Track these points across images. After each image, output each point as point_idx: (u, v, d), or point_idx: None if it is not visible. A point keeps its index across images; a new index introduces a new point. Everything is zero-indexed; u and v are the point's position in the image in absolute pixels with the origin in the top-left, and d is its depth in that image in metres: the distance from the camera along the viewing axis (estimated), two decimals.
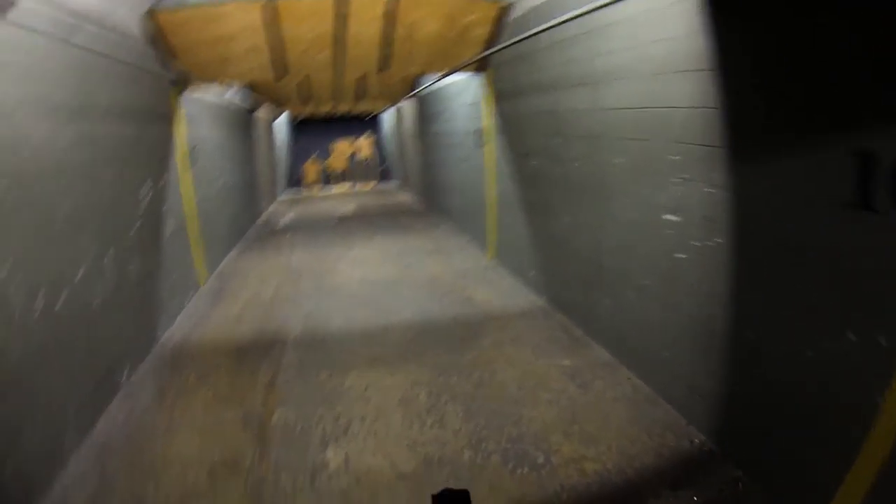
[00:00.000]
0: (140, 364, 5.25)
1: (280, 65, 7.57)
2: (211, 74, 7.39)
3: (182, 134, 7.31)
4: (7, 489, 3.11)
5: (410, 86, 13.27)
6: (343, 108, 17.41)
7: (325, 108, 17.12)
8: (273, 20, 6.27)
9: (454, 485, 3.37)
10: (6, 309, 3.28)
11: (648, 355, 4.29)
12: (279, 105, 14.75)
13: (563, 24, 4.31)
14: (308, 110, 17.64)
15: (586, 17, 4.02)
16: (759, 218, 3.01)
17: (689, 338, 3.74)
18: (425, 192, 14.31)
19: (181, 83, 7.21)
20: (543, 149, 5.93)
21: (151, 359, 5.42)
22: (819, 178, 2.57)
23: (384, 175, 22.38)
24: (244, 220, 11.87)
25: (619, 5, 3.65)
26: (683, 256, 3.70)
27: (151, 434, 4.12)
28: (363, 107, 17.98)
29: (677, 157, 3.66)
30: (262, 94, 12.96)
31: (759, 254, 3.04)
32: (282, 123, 20.36)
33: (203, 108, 8.76)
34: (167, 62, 6.56)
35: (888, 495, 2.35)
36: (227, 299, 7.30)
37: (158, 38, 6.13)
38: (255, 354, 5.46)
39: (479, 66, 7.88)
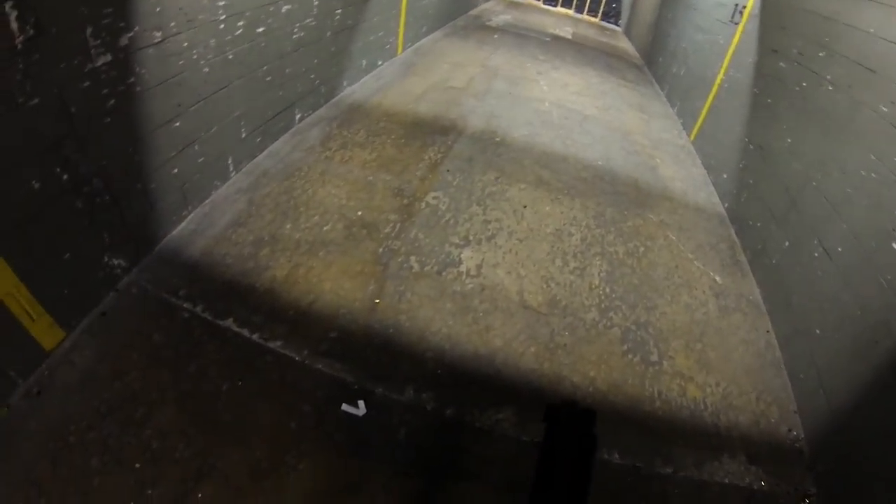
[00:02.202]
0: (317, 109, 5.25)
1: None
2: None
3: None
4: (168, 192, 3.26)
5: None
6: None
7: None
8: None
9: (569, 339, 3.22)
10: (209, 25, 3.28)
11: (798, 322, 3.67)
12: None
13: None
14: None
15: None
16: None
17: (850, 333, 3.11)
18: (648, 48, 13.11)
19: None
20: (799, 54, 4.95)
21: (328, 107, 5.40)
22: None
23: (611, 14, 20.83)
24: (457, 5, 11.39)
25: None
26: None
27: (306, 176, 4.13)
28: None
29: None
30: None
31: None
32: None
33: None
34: None
35: None
36: (417, 75, 7.09)
37: None
38: (430, 133, 5.30)
39: None
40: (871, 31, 3.86)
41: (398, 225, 3.77)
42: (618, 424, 2.86)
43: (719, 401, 3.19)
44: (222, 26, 3.39)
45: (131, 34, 2.66)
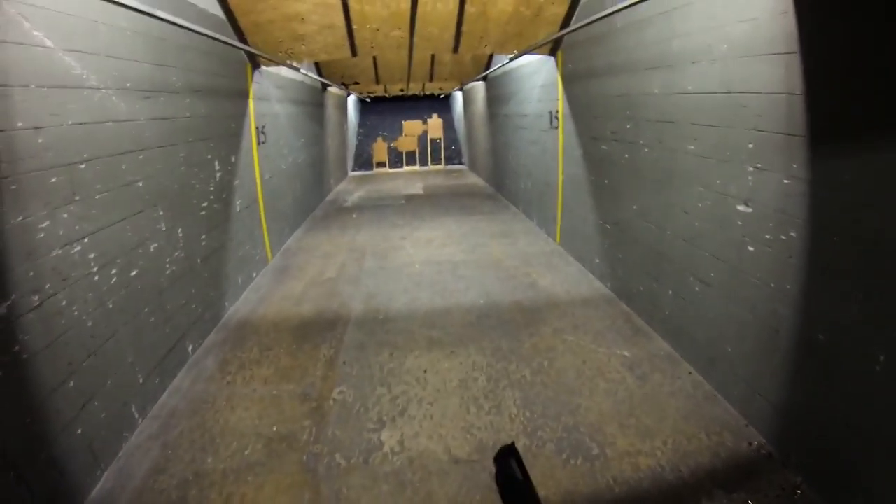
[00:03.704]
0: (206, 336, 5.38)
1: (353, 44, 7.56)
2: (283, 53, 7.43)
3: (255, 111, 7.41)
4: (76, 455, 3.23)
5: (482, 67, 13.19)
6: (414, 88, 17.47)
7: (395, 88, 17.20)
8: None
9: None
10: (84, 280, 3.43)
11: (710, 351, 4.16)
12: (350, 84, 14.86)
13: (641, 3, 4.16)
14: (379, 90, 17.73)
15: None
16: (839, 213, 2.82)
17: (753, 335, 3.60)
18: (493, 175, 14.26)
19: (255, 61, 7.31)
20: (613, 133, 5.81)
21: (217, 332, 5.55)
22: None
23: (453, 156, 22.32)
24: (312, 197, 12.02)
25: None
26: (752, 250, 3.54)
27: (213, 405, 4.21)
28: (434, 87, 18.00)
29: (752, 146, 3.49)
30: (332, 73, 13.05)
31: (834, 251, 2.86)
32: (352, 102, 20.53)
33: (275, 85, 8.86)
34: (242, 39, 6.64)
35: None
36: (291, 276, 7.39)
37: (230, 17, 6.23)
38: (317, 332, 5.51)
39: (553, 47, 7.76)
40: (657, 91, 4.66)
41: (313, 429, 3.88)
42: None
43: (673, 456, 3.43)
44: (97, 278, 3.55)
45: (9, 303, 2.76)
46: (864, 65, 2.64)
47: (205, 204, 5.52)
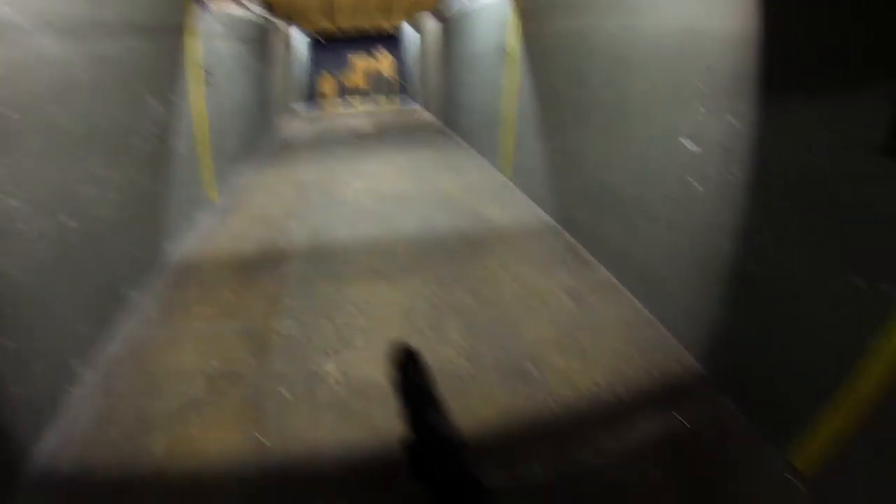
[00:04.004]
0: (147, 279, 5.28)
1: None
2: None
3: (196, 48, 7.15)
4: (17, 415, 3.12)
5: (436, 1, 12.90)
6: (366, 23, 17.04)
7: (347, 23, 16.75)
8: None
9: (450, 397, 3.47)
10: (14, 231, 3.28)
11: (651, 280, 4.26)
12: (299, 19, 14.40)
13: None
14: (330, 25, 17.23)
15: None
16: (781, 154, 2.88)
17: (693, 266, 3.69)
18: (445, 111, 14.11)
19: None
20: (567, 71, 5.79)
21: (159, 275, 5.46)
22: (851, 121, 2.42)
23: (405, 93, 22.02)
24: (258, 135, 11.77)
25: None
26: (697, 185, 3.60)
27: (155, 348, 4.18)
28: (387, 23, 17.59)
29: (704, 86, 3.49)
30: (280, 7, 12.63)
31: (774, 190, 2.93)
32: (301, 38, 19.98)
33: (219, 21, 8.51)
34: None
35: (864, 438, 2.41)
36: (236, 215, 7.30)
37: None
38: (261, 268, 5.49)
39: None
40: (613, 30, 4.65)
41: (257, 365, 3.90)
42: (527, 444, 3.07)
43: (610, 376, 3.55)
44: (31, 231, 3.40)
45: None
46: (812, 10, 2.65)
47: (144, 146, 5.32)
